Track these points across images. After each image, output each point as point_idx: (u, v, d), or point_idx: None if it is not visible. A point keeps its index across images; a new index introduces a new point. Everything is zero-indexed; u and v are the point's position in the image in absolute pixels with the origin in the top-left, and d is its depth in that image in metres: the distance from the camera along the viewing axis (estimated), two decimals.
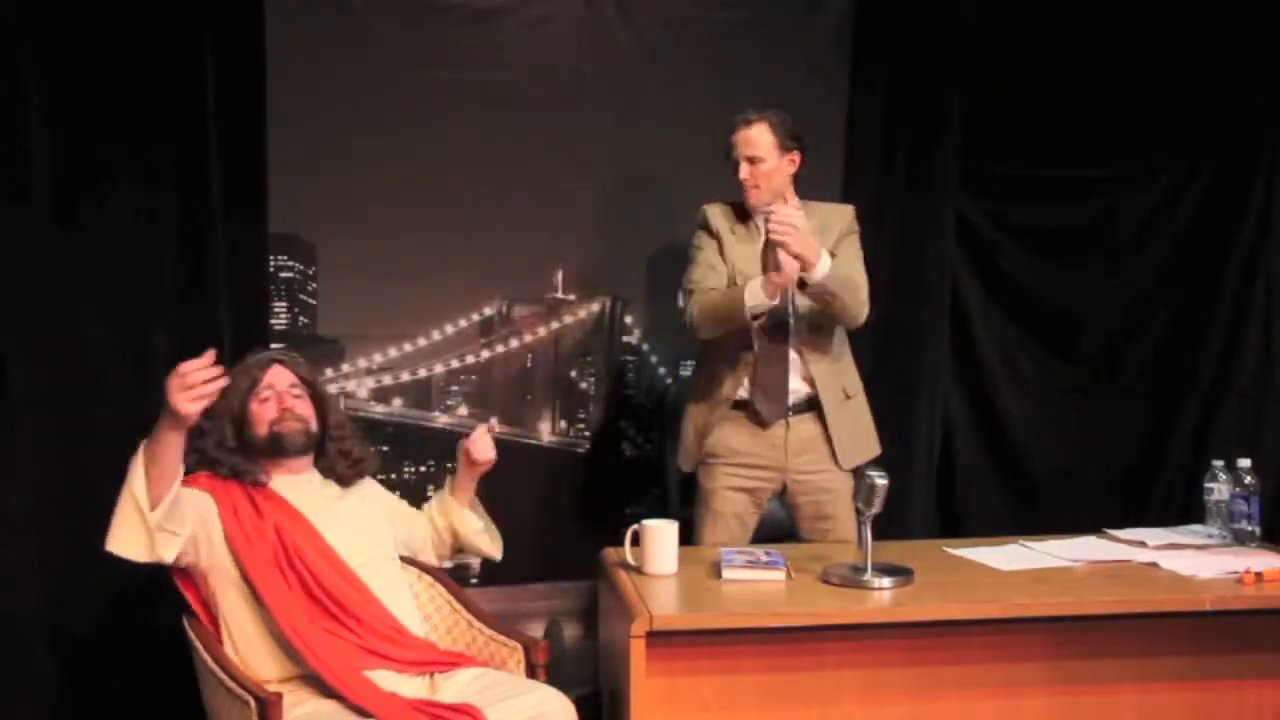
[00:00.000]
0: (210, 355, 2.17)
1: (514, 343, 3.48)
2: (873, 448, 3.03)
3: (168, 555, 2.27)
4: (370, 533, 2.53)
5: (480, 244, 3.39)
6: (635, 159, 3.48)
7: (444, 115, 3.35)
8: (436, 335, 3.41)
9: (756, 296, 2.79)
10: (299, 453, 2.50)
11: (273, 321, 3.27)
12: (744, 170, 2.91)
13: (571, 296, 3.51)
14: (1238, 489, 2.79)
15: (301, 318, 3.31)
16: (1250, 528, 2.78)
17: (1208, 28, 3.62)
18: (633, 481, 3.53)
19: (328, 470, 2.57)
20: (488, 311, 3.46)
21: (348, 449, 2.59)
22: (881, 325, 3.30)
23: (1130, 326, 3.77)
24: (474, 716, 2.20)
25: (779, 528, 3.09)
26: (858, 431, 3.01)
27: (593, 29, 3.46)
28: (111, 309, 2.98)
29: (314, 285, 3.31)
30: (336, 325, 3.33)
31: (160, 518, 2.22)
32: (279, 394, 2.50)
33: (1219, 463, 2.84)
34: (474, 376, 3.46)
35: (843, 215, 3.01)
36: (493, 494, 3.30)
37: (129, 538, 2.23)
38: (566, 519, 3.49)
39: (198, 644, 2.33)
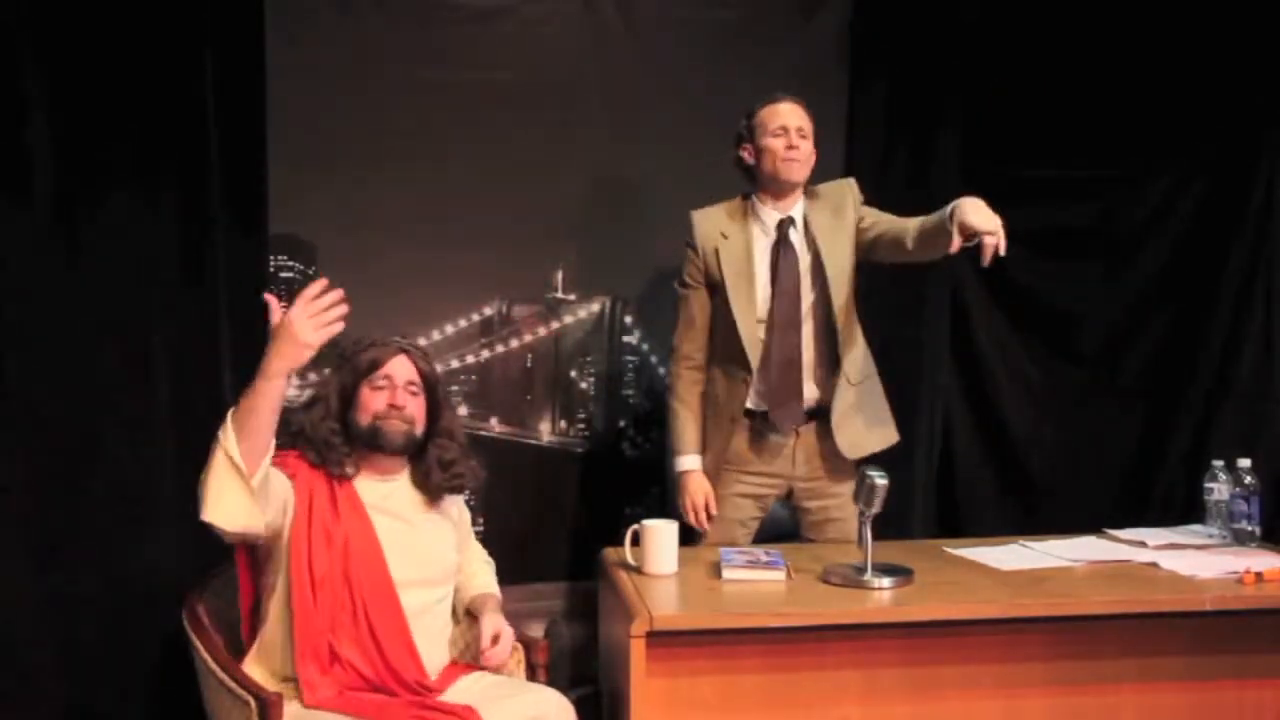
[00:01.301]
0: (324, 282, 2.13)
1: (514, 343, 3.48)
2: (886, 435, 2.98)
3: (260, 525, 2.16)
4: (435, 560, 2.42)
5: (480, 243, 3.38)
6: (635, 159, 3.47)
7: (444, 115, 3.35)
8: (436, 335, 3.41)
9: (681, 466, 2.93)
10: (395, 452, 2.39)
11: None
12: (793, 139, 2.85)
13: (571, 296, 3.51)
14: (1238, 489, 2.79)
15: None
16: (1250, 528, 2.79)
17: (1207, 28, 3.62)
18: (633, 481, 3.53)
19: (421, 477, 2.44)
20: (488, 311, 3.45)
21: (448, 459, 2.44)
22: (881, 326, 3.29)
23: (1130, 326, 3.76)
24: (471, 716, 2.20)
25: (780, 528, 3.08)
26: (868, 420, 2.94)
27: (592, 29, 3.46)
28: (111, 309, 2.97)
29: None
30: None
31: (259, 483, 2.11)
32: (395, 387, 2.37)
33: (1219, 463, 2.85)
34: (474, 376, 3.46)
35: (850, 187, 2.98)
36: (493, 494, 3.31)
37: (230, 506, 2.10)
38: (566, 519, 3.49)
39: (198, 644, 2.32)
